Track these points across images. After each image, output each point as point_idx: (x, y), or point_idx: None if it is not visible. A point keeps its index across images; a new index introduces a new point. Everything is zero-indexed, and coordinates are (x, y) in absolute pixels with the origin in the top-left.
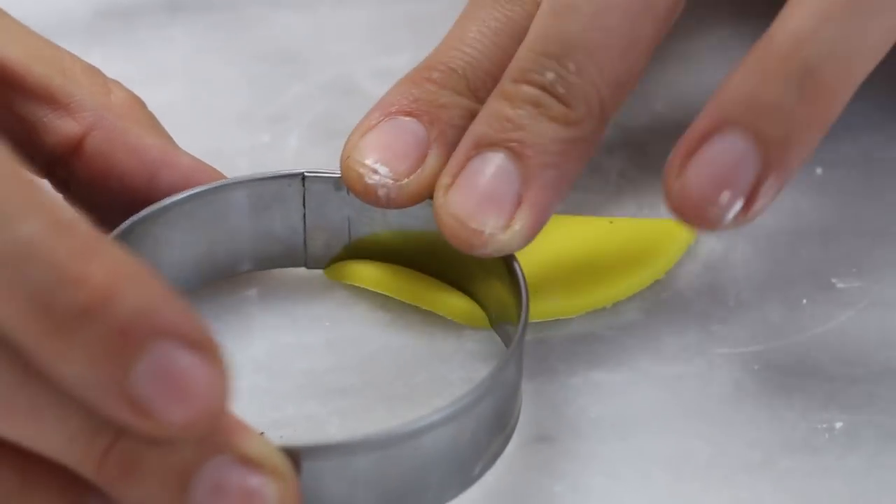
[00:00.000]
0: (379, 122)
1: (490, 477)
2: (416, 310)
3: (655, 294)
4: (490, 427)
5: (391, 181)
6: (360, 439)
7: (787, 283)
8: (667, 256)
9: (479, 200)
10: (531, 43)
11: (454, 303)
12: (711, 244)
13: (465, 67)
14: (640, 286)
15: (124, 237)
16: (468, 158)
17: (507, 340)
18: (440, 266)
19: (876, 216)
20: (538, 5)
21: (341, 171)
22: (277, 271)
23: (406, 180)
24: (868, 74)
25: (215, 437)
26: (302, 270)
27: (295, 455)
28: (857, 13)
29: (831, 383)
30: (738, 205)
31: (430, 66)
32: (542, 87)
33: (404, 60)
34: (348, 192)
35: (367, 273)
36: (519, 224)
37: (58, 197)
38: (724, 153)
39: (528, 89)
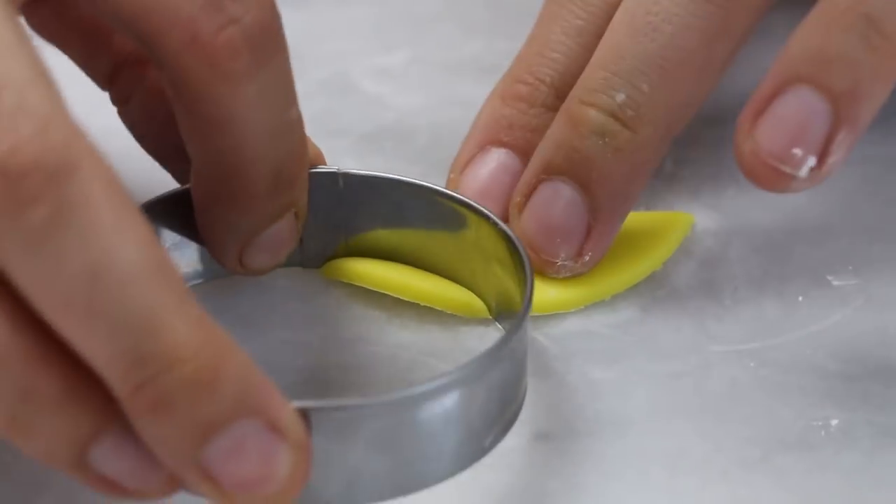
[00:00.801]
0: (474, 156)
1: (486, 474)
2: (413, 307)
3: (652, 291)
4: (501, 396)
5: None
6: (371, 400)
7: (783, 280)
8: (663, 248)
9: (551, 231)
10: (603, 60)
11: (452, 295)
12: (708, 242)
13: (553, 76)
14: (637, 278)
15: None
16: (539, 181)
17: None
18: (437, 262)
19: (872, 213)
20: (616, 6)
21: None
22: (274, 270)
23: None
24: None
25: (253, 397)
26: (298, 269)
27: (306, 414)
28: None
29: (827, 380)
30: (811, 161)
31: (517, 78)
32: (610, 112)
33: (402, 59)
34: (343, 187)
35: (363, 271)
36: (588, 254)
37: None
38: (794, 109)
39: (595, 115)
